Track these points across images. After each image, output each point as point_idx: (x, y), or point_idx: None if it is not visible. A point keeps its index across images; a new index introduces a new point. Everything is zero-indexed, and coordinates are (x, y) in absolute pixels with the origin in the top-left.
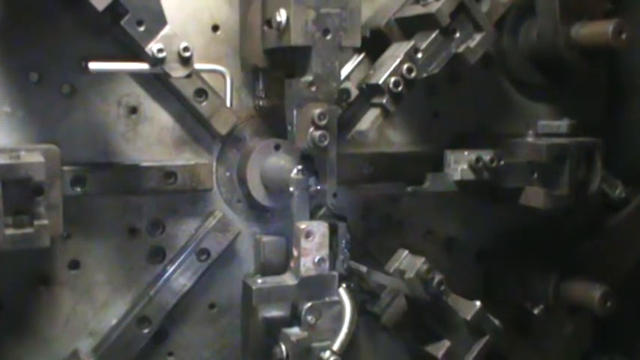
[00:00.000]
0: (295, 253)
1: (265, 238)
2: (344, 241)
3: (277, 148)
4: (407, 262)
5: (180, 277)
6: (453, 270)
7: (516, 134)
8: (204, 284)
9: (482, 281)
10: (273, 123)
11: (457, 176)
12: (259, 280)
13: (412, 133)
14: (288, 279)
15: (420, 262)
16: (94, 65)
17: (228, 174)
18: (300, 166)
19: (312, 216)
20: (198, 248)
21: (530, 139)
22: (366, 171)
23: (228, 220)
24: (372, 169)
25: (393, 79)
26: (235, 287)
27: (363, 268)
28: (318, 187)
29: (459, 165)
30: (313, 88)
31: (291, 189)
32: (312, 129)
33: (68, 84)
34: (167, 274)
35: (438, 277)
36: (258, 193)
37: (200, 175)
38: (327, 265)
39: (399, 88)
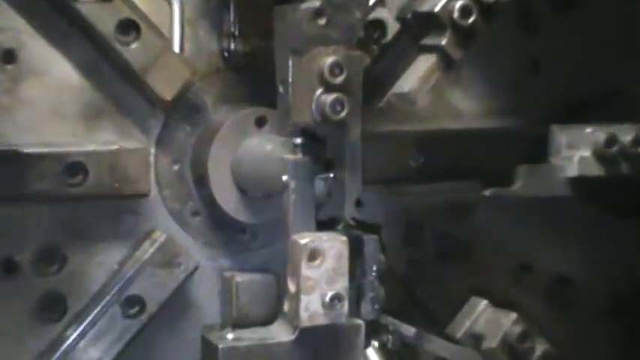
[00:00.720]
0: (292, 287)
1: (240, 277)
2: (375, 267)
3: (260, 123)
4: (486, 319)
5: (92, 346)
6: (569, 332)
7: None
8: (137, 357)
9: (622, 350)
10: (252, 81)
11: (572, 170)
12: (230, 335)
13: (493, 97)
14: (280, 332)
15: (509, 321)
16: None
17: (176, 167)
18: (299, 140)
19: (322, 228)
20: (125, 296)
21: None
22: (413, 162)
23: (177, 246)
24: (424, 159)
25: (459, 4)
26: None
27: (409, 330)
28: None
29: (577, 151)
30: (322, 21)
31: (284, 178)
32: (320, 91)
33: None
34: (70, 340)
35: (541, 348)
36: (228, 200)
37: (128, 170)
38: (345, 307)
39: (470, 19)
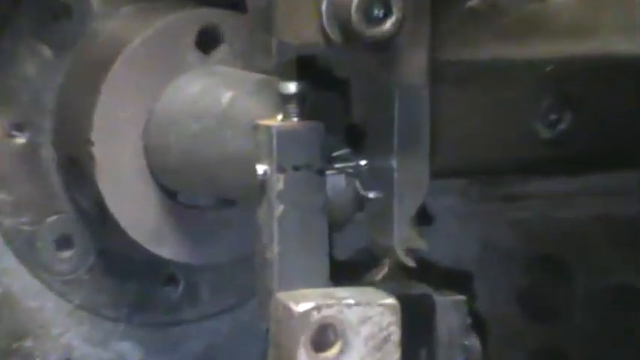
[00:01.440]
0: None
1: None
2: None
3: (207, 43)
4: None
5: None
6: None
7: None
8: None
9: None
10: None
11: None
12: None
13: None
14: None
15: None
16: None
17: (21, 140)
18: (294, 86)
19: (345, 275)
20: None
21: None
22: (545, 131)
23: (23, 314)
24: (571, 124)
25: None
26: None
27: None
28: (370, 194)
29: None
30: None
31: (260, 169)
32: None
33: None
34: None
35: None
36: (137, 214)
37: None
38: None
39: None
